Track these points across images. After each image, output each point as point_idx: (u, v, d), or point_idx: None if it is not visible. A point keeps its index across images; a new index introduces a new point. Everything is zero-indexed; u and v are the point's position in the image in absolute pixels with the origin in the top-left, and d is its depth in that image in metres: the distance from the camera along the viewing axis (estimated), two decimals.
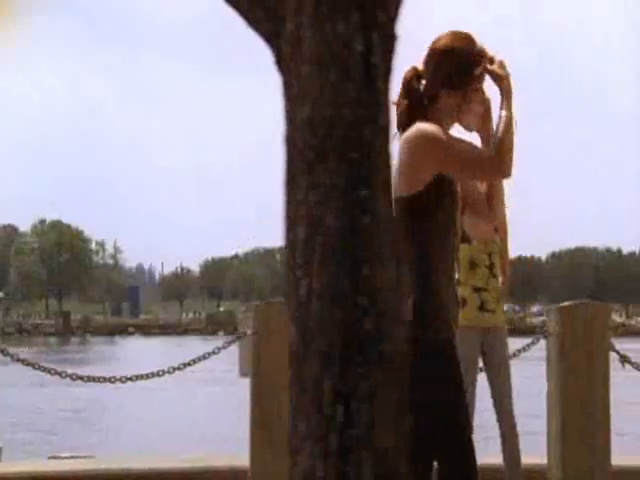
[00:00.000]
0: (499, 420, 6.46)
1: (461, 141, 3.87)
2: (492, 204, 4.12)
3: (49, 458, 7.64)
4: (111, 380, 6.33)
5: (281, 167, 2.05)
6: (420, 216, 3.83)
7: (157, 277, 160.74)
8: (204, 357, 6.47)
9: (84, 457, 7.89)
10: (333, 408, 1.92)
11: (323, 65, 1.95)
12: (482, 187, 5.81)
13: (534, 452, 7.00)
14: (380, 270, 1.97)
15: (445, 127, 3.87)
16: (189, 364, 6.47)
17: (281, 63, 2.04)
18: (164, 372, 6.40)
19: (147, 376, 6.41)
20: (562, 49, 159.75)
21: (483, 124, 3.99)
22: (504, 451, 6.49)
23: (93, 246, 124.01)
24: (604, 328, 6.43)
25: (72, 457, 7.68)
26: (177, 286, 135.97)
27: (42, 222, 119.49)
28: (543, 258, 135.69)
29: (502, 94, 3.88)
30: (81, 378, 6.25)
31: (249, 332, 6.30)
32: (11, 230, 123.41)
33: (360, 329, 1.94)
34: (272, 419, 5.95)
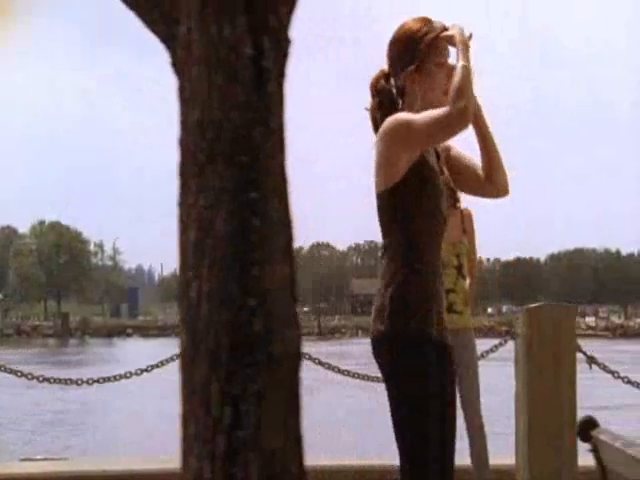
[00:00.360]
0: (467, 421, 6.48)
1: (425, 114, 3.80)
2: (493, 179, 4.03)
3: (21, 460, 7.63)
4: (78, 382, 6.33)
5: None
6: (404, 205, 3.82)
7: (156, 278, 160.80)
8: (172, 359, 6.48)
9: (57, 459, 7.88)
10: (221, 410, 1.93)
11: (211, 68, 1.96)
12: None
13: (510, 453, 6.99)
14: (270, 272, 1.97)
15: (416, 111, 3.85)
16: (157, 366, 6.48)
17: (176, 66, 2.05)
18: (131, 374, 6.41)
19: (115, 378, 6.42)
20: (560, 53, 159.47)
21: None
22: (472, 452, 6.50)
23: (92, 247, 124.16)
24: (571, 329, 6.44)
25: (45, 459, 7.67)
26: (176, 287, 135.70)
27: (41, 223, 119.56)
28: (542, 259, 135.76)
29: (457, 49, 3.84)
30: (47, 380, 6.25)
31: None
32: (10, 231, 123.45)
33: (249, 330, 1.95)
34: None
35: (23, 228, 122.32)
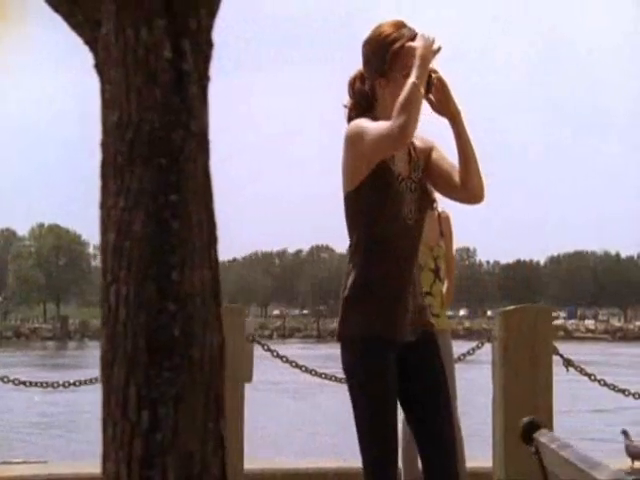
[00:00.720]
0: None
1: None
2: (468, 184, 4.01)
3: (1, 464, 7.62)
4: (54, 385, 6.32)
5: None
6: (367, 207, 3.82)
7: None
8: None
9: (36, 462, 7.88)
10: (138, 413, 1.92)
11: (129, 70, 1.95)
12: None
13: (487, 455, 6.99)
14: (190, 276, 1.96)
15: (383, 117, 3.82)
16: None
17: (97, 67, 2.05)
18: None
19: (91, 381, 6.41)
20: (560, 59, 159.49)
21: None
22: None
23: (91, 250, 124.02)
24: (547, 332, 6.43)
25: (24, 462, 7.67)
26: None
27: (40, 226, 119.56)
28: (542, 262, 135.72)
29: (415, 62, 3.76)
30: (23, 383, 6.25)
31: None
32: (9, 234, 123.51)
33: (168, 334, 1.94)
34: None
35: (22, 230, 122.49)
